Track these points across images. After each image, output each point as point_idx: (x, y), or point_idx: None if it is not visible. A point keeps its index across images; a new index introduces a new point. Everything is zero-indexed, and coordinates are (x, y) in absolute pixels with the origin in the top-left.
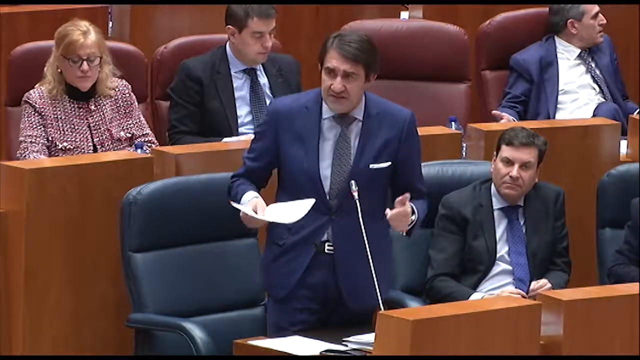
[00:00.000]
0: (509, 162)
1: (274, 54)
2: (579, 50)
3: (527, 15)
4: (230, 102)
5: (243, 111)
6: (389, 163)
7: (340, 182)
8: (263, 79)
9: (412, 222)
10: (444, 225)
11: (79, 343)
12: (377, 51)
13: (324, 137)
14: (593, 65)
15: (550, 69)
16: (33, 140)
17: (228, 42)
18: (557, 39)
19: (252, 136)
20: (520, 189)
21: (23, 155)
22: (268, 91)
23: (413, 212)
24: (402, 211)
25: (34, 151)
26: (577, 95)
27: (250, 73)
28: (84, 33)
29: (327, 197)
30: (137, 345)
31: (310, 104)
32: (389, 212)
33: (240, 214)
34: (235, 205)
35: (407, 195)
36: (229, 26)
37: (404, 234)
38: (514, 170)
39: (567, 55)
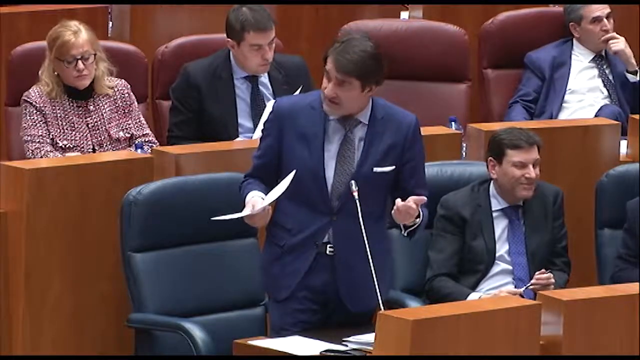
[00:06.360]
0: (522, 164)
1: (281, 55)
2: (593, 55)
3: (529, 14)
4: (231, 109)
5: (244, 118)
6: (393, 167)
7: (342, 184)
8: (266, 86)
9: (414, 224)
10: (443, 225)
11: (79, 343)
12: (378, 63)
13: (329, 138)
14: (607, 71)
15: (562, 69)
16: (41, 141)
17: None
18: (574, 41)
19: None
20: (533, 186)
21: (35, 154)
22: (271, 98)
23: (418, 216)
24: (412, 208)
25: (48, 151)
26: (583, 97)
27: (252, 80)
28: (75, 33)
29: (329, 198)
30: (137, 345)
31: (316, 104)
32: (399, 202)
33: (244, 219)
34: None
35: (424, 198)
36: (229, 39)
37: (405, 234)
38: (531, 172)
39: (581, 57)
